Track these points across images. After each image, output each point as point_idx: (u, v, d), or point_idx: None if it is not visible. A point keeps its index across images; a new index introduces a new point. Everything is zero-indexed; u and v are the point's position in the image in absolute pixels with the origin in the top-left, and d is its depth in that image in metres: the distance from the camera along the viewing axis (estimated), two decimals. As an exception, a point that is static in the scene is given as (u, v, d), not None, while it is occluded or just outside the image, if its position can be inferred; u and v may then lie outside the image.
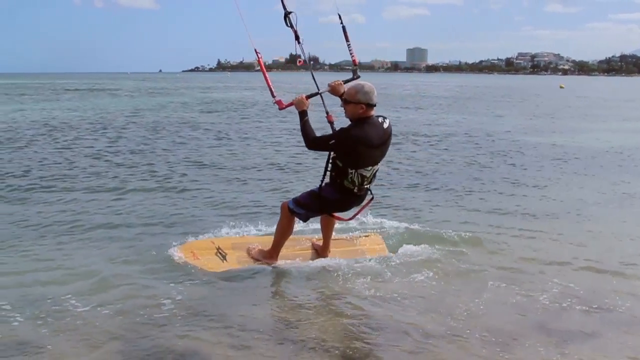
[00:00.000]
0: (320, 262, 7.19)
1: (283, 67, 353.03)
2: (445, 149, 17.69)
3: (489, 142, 19.64)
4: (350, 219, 7.02)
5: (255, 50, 6.67)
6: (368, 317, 5.71)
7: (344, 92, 6.53)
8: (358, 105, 6.23)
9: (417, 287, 6.43)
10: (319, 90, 6.70)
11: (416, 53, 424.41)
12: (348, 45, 6.79)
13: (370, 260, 7.25)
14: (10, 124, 24.85)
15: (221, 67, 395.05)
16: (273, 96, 6.60)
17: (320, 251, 7.34)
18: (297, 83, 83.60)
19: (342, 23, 6.76)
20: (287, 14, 6.64)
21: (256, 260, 7.06)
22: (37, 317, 5.57)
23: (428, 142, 19.40)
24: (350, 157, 6.27)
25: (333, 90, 6.63)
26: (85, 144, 18.51)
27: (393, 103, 42.20)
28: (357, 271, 6.88)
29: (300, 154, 15.80)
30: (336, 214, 6.87)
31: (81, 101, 43.28)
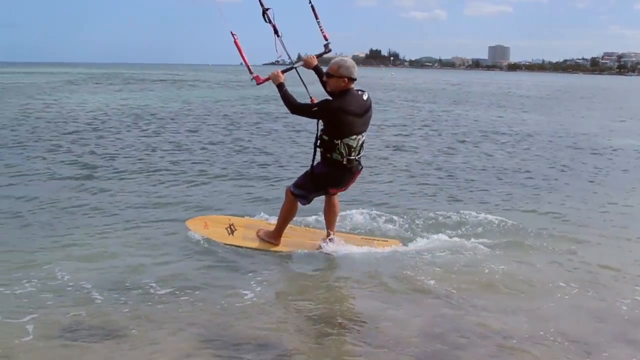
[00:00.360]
0: (381, 251, 7.31)
1: (363, 62, 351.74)
2: (526, 149, 17.31)
3: (571, 143, 19.09)
4: (343, 189, 7.22)
5: (232, 32, 7.07)
6: (440, 314, 5.61)
7: (317, 65, 7.20)
8: (340, 79, 6.72)
9: (489, 285, 6.32)
10: (293, 64, 7.19)
11: (498, 51, 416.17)
12: (317, 22, 7.23)
13: (442, 252, 7.20)
14: (99, 112, 25.73)
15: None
16: (251, 72, 7.12)
17: (324, 240, 7.50)
18: (375, 79, 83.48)
19: (310, 2, 7.21)
20: (264, 11, 7.11)
21: (261, 239, 7.43)
22: (118, 298, 5.71)
23: (508, 141, 19.01)
24: (335, 127, 6.67)
25: (306, 63, 7.19)
26: (168, 133, 19.00)
27: (473, 101, 41.61)
28: (423, 262, 6.85)
29: (377, 149, 15.81)
30: (334, 190, 7.16)
31: (165, 92, 44.24)
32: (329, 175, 6.94)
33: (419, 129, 21.43)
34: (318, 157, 7.00)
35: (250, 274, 6.48)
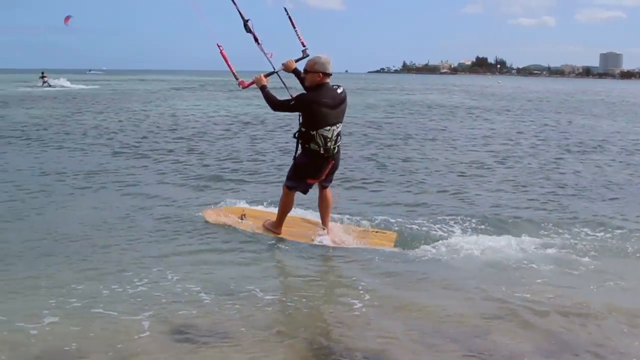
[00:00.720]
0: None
1: (469, 70, 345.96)
2: (640, 161, 16.61)
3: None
4: (321, 178, 7.84)
5: (218, 44, 7.79)
6: (550, 330, 5.42)
7: (296, 68, 7.79)
8: (316, 74, 7.41)
9: (601, 302, 6.03)
10: (274, 69, 7.88)
11: (610, 58, 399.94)
12: (295, 30, 7.99)
13: (549, 266, 7.02)
14: (208, 118, 26.67)
15: (406, 68, 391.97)
16: (236, 78, 7.88)
17: (320, 230, 8.09)
18: (481, 87, 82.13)
19: (288, 14, 8.07)
20: (245, 22, 7.87)
21: (266, 229, 8.21)
22: (226, 301, 5.82)
23: (620, 151, 18.27)
24: (310, 118, 7.38)
25: (286, 67, 7.79)
26: (275, 138, 19.46)
27: (584, 110, 40.22)
28: (528, 274, 6.72)
29: (483, 158, 15.59)
30: (311, 180, 7.81)
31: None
32: (308, 165, 7.64)
33: (527, 138, 20.94)
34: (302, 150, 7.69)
35: (356, 281, 6.49)
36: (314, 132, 7.40)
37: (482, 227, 8.59)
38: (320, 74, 7.42)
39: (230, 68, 7.99)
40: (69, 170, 12.86)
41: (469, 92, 67.29)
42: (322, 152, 7.48)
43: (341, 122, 7.59)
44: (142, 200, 10.14)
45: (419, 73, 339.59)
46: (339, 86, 7.58)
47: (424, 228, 8.57)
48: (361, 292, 6.20)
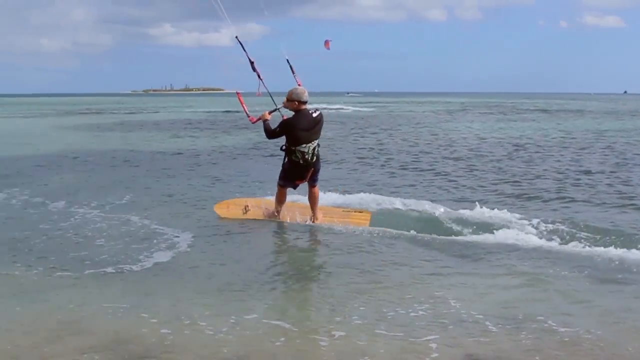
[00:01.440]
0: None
1: None
2: None
3: None
4: (304, 180, 9.73)
5: (237, 92, 10.32)
6: None
7: None
8: (293, 102, 9.39)
9: None
10: (276, 106, 9.80)
11: None
12: (294, 76, 10.06)
13: None
14: (479, 140, 26.71)
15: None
16: (248, 116, 9.91)
17: (311, 219, 10.10)
18: None
19: (289, 63, 10.19)
20: (252, 62, 9.94)
21: (266, 215, 10.31)
22: (515, 331, 5.61)
23: None
24: (289, 138, 9.42)
25: (285, 105, 9.52)
26: (548, 161, 18.95)
27: None
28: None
29: None
30: (298, 181, 9.77)
31: (545, 121, 43.38)
32: (293, 170, 9.61)
33: None
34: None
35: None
36: (294, 148, 9.39)
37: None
38: (296, 102, 9.34)
39: (245, 109, 10.02)
40: (348, 186, 13.47)
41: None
42: (301, 162, 9.44)
43: (317, 139, 9.45)
44: (419, 218, 10.22)
45: None
46: (315, 110, 9.52)
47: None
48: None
